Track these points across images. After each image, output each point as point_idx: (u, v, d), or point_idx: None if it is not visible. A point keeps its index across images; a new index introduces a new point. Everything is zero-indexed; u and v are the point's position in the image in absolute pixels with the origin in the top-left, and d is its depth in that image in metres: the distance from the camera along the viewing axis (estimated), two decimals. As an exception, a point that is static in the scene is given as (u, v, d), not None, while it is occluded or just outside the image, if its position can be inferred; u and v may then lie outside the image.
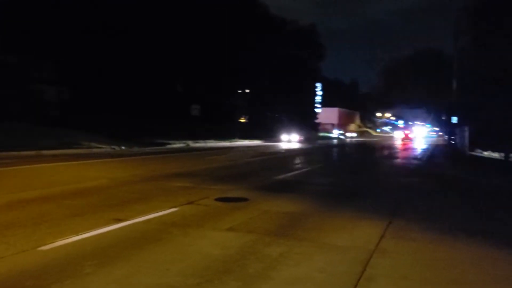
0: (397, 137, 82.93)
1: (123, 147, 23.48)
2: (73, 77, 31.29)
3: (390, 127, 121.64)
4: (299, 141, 46.98)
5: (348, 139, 68.84)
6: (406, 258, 5.27)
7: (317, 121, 72.15)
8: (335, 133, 73.43)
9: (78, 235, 5.84)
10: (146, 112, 34.48)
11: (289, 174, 14.31)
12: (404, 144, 49.35)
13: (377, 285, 4.37)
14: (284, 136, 47.78)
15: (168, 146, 28.61)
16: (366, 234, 6.38)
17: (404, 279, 4.57)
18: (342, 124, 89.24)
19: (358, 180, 13.39)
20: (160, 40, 35.05)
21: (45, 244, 5.36)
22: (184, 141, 31.72)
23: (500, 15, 17.99)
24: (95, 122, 28.78)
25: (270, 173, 14.26)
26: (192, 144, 31.86)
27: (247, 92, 54.65)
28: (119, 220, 6.75)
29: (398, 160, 23.46)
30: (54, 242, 5.47)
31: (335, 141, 59.37)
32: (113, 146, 23.15)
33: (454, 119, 33.75)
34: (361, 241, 6.01)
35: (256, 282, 4.36)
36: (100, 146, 22.58)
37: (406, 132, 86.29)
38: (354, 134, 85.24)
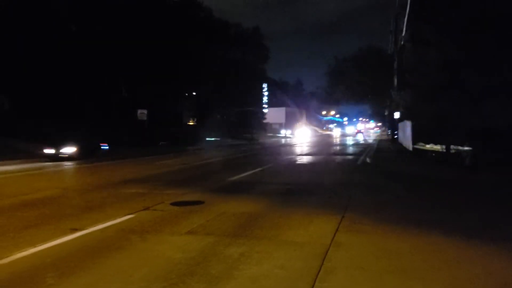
0: (342, 133, 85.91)
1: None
2: (12, 85, 30.11)
3: (335, 125, 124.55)
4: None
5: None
6: (360, 250, 5.54)
7: (265, 121, 72.96)
8: (283, 133, 73.15)
9: (35, 247, 5.73)
10: (91, 117, 33.62)
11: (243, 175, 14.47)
12: (350, 140, 50.72)
13: (335, 277, 4.59)
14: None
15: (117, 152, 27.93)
16: (322, 229, 6.63)
17: (360, 269, 4.82)
18: (290, 123, 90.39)
19: (309, 178, 13.71)
20: (104, 43, 34.26)
21: (2, 259, 5.23)
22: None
23: (435, 12, 18.81)
24: (38, 130, 27.76)
25: (223, 175, 14.37)
26: (140, 149, 31.27)
27: (194, 95, 54.47)
28: (76, 230, 6.66)
29: (345, 157, 24.12)
30: (11, 255, 5.35)
31: (283, 141, 59.58)
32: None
33: (397, 114, 35.04)
34: (317, 236, 6.25)
35: (220, 282, 4.48)
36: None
37: (355, 128, 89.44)
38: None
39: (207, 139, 46.37)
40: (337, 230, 6.56)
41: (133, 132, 35.77)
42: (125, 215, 7.77)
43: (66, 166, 17.93)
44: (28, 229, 6.77)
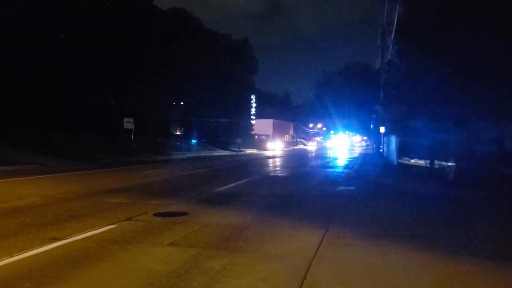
0: (320, 147, 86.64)
1: (53, 163, 22.52)
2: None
3: (322, 137, 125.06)
4: None
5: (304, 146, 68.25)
6: (343, 264, 5.52)
7: (252, 132, 72.99)
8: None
9: (12, 256, 5.62)
10: (76, 125, 33.36)
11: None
12: (336, 153, 50.82)
13: (318, 292, 4.56)
14: None
15: (102, 161, 27.75)
16: (305, 243, 6.60)
17: (342, 284, 4.79)
18: (277, 135, 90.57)
19: (295, 190, 13.69)
20: (91, 50, 34.08)
21: (-23, 268, 5.11)
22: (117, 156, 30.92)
23: (419, 30, 19.03)
24: (22, 136, 27.49)
25: (209, 186, 14.30)
26: (125, 158, 31.09)
27: (182, 105, 54.43)
28: (56, 239, 6.54)
29: (331, 169, 24.16)
30: (-14, 265, 5.23)
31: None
32: (43, 162, 22.14)
33: (382, 129, 35.30)
34: (301, 249, 6.21)
35: (201, 295, 4.41)
36: (29, 162, 21.52)
37: (338, 140, 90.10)
38: (293, 144, 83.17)
39: (193, 149, 46.21)
40: (320, 243, 6.53)
41: (119, 141, 35.56)
42: (107, 225, 7.67)
43: (49, 174, 17.69)
44: (6, 238, 6.63)
